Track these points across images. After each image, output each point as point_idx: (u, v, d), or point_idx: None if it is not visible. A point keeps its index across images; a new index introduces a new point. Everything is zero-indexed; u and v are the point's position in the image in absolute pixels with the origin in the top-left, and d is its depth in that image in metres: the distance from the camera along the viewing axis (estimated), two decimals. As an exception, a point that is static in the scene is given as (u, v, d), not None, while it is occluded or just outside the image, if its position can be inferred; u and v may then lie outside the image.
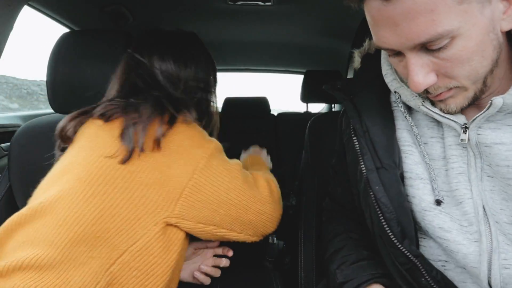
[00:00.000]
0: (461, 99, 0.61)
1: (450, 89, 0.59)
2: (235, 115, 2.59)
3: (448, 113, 0.63)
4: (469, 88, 0.59)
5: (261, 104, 2.64)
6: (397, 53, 0.60)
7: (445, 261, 0.68)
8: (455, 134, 0.66)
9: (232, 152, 2.95)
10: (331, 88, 0.80)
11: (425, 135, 0.70)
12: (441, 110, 0.64)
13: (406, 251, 0.66)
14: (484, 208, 0.63)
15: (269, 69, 3.10)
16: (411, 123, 0.70)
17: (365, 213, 0.73)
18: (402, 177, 0.70)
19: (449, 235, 0.64)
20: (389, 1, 0.53)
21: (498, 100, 0.58)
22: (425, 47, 0.55)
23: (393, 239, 0.67)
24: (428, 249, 0.70)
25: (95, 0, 1.57)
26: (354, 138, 0.73)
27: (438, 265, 0.69)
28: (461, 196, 0.64)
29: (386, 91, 0.74)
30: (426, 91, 0.60)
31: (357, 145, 0.73)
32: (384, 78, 0.73)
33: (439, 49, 0.55)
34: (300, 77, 2.46)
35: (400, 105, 0.71)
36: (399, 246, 0.66)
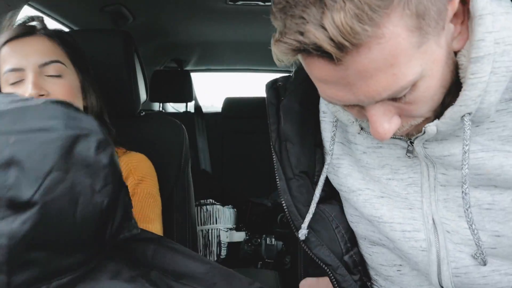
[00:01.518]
0: (414, 130, 0.58)
1: (408, 127, 0.56)
2: (235, 115, 2.59)
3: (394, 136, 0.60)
4: (430, 116, 0.56)
5: (261, 104, 2.63)
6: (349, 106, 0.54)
7: (400, 265, 0.69)
8: (402, 147, 0.64)
9: (232, 152, 2.95)
10: (269, 87, 0.77)
11: (363, 144, 0.68)
12: None
13: (317, 259, 0.70)
14: (433, 219, 0.62)
15: (269, 69, 3.09)
16: (344, 137, 0.71)
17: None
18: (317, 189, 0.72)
19: (394, 244, 0.66)
20: (339, 65, 0.45)
21: (431, 128, 0.54)
22: (389, 100, 0.50)
23: (303, 246, 0.71)
24: (381, 255, 0.71)
25: (95, 0, 1.57)
26: (271, 144, 0.74)
27: (393, 270, 0.70)
28: (411, 204, 0.64)
29: (316, 95, 0.66)
30: None
31: (273, 152, 0.74)
32: (320, 94, 0.59)
33: (401, 97, 0.49)
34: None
35: (333, 129, 0.68)
36: (309, 253, 0.70)
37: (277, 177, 0.74)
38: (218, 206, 2.00)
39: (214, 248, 1.88)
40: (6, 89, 0.83)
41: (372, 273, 0.76)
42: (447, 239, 0.62)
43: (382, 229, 0.66)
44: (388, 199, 0.66)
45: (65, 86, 0.86)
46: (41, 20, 0.90)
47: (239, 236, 1.99)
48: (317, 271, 0.83)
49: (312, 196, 0.71)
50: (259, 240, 1.96)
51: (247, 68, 3.06)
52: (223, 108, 2.62)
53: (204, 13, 1.84)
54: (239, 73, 3.19)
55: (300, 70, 0.69)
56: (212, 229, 1.92)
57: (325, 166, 0.70)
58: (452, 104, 0.53)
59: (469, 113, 0.52)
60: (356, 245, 0.76)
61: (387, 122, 0.51)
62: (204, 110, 2.62)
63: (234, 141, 2.55)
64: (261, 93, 3.16)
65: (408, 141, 0.61)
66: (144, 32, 2.03)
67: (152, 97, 2.43)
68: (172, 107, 3.14)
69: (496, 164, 0.55)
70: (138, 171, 0.94)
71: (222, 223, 1.96)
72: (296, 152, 0.73)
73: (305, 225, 0.71)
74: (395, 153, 0.65)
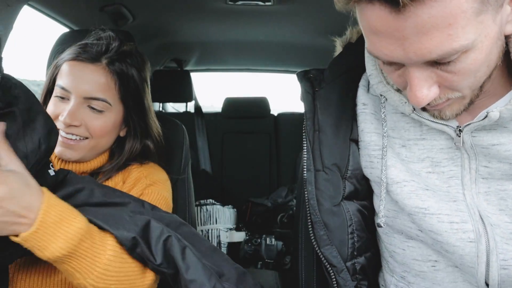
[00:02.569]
0: (457, 107, 0.58)
1: (447, 100, 0.56)
2: (235, 115, 2.59)
3: (441, 119, 0.61)
4: (467, 96, 0.56)
5: (261, 104, 2.64)
6: (395, 63, 0.54)
7: (435, 260, 0.68)
8: (447, 138, 0.64)
9: (232, 152, 2.96)
10: (302, 76, 0.77)
11: (403, 137, 0.68)
12: (433, 116, 0.61)
13: (323, 258, 0.69)
14: (478, 210, 0.63)
15: (269, 69, 3.09)
16: (386, 127, 0.69)
17: (296, 210, 0.75)
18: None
19: (440, 237, 0.64)
20: (400, 13, 0.45)
21: (494, 114, 0.56)
22: (432, 61, 0.50)
23: (313, 241, 0.69)
24: (416, 249, 0.70)
25: (95, 0, 1.57)
26: (304, 135, 0.73)
27: (428, 265, 0.69)
28: (454, 196, 0.64)
29: (353, 88, 0.70)
30: (427, 104, 0.56)
31: (304, 143, 0.73)
32: (369, 78, 0.68)
33: (447, 63, 0.50)
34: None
35: (383, 111, 0.68)
36: (317, 250, 0.69)
37: (304, 168, 0.72)
38: (218, 206, 2.00)
39: (214, 248, 1.88)
40: (54, 98, 0.88)
41: (399, 269, 0.74)
42: (494, 231, 0.61)
43: (428, 221, 0.64)
44: (432, 191, 0.65)
45: (102, 123, 0.88)
46: (118, 52, 0.89)
47: (239, 236, 1.99)
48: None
49: (340, 191, 0.71)
50: (259, 240, 1.96)
51: (247, 68, 3.06)
52: (223, 108, 2.62)
53: (204, 13, 1.84)
54: (239, 73, 3.19)
55: (335, 65, 0.73)
56: (212, 229, 1.92)
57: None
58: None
59: None
60: (363, 255, 0.75)
61: (427, 89, 0.52)
62: (204, 110, 2.63)
63: (234, 141, 2.55)
64: (261, 93, 3.17)
65: (458, 130, 0.61)
66: (144, 32, 2.03)
67: (152, 97, 2.42)
68: (172, 107, 3.14)
69: None
70: (150, 176, 0.94)
71: (222, 223, 1.96)
72: (329, 144, 0.72)
73: (382, 213, 0.69)
74: (438, 144, 0.65)
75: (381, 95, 0.67)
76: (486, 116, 0.57)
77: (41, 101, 0.92)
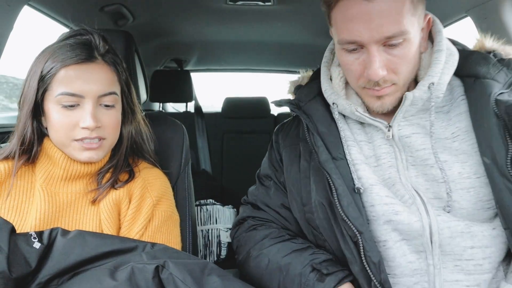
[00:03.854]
0: (393, 99, 0.80)
1: (391, 85, 0.77)
2: (235, 115, 2.59)
3: (381, 112, 0.82)
4: (400, 87, 0.79)
5: (261, 104, 2.64)
6: (356, 50, 0.76)
7: (385, 240, 0.78)
8: (381, 136, 0.84)
9: (232, 152, 2.95)
10: (279, 103, 0.95)
11: (356, 139, 0.86)
12: (375, 110, 0.82)
13: (352, 225, 0.75)
14: (414, 189, 0.79)
15: (269, 69, 3.10)
16: (343, 128, 0.86)
17: (314, 195, 0.83)
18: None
19: (396, 207, 0.77)
20: (370, 1, 0.71)
21: (409, 95, 0.78)
22: (384, 45, 0.73)
23: (342, 214, 0.76)
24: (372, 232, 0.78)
25: (95, 0, 1.57)
26: (307, 135, 0.86)
27: (379, 245, 0.78)
28: (393, 180, 0.81)
29: (326, 104, 0.90)
30: (376, 83, 0.77)
31: (309, 141, 0.85)
32: (324, 93, 0.89)
33: (394, 47, 0.74)
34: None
35: (336, 114, 0.86)
36: (347, 220, 0.75)
37: (325, 159, 0.82)
38: (218, 206, 2.00)
39: (214, 248, 1.88)
40: (59, 109, 0.83)
41: None
42: (428, 203, 0.80)
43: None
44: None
45: (115, 117, 0.89)
46: (103, 45, 0.89)
47: (239, 236, 1.99)
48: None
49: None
50: (259, 240, 1.96)
51: (247, 68, 3.06)
52: (223, 108, 2.62)
53: (204, 13, 1.84)
54: (239, 73, 3.20)
55: (303, 91, 0.95)
56: (212, 229, 1.92)
57: None
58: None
59: (433, 83, 0.78)
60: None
61: (381, 67, 0.74)
62: (204, 110, 2.63)
63: (234, 141, 2.55)
64: (261, 93, 3.17)
65: (388, 125, 0.82)
66: (144, 32, 2.03)
67: (152, 97, 2.43)
68: (172, 107, 3.14)
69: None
70: (154, 190, 0.94)
71: (222, 223, 1.96)
72: (328, 138, 0.88)
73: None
74: (376, 143, 0.85)
75: (333, 104, 0.87)
76: (405, 99, 0.78)
77: (26, 118, 0.85)
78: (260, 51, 2.55)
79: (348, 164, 0.82)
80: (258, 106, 2.64)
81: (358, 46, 0.75)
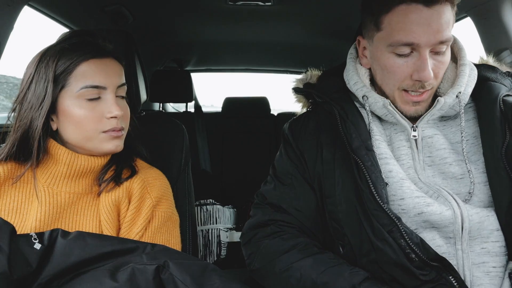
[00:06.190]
0: (426, 104, 0.86)
1: (430, 89, 0.84)
2: (235, 115, 2.59)
3: (414, 116, 0.86)
4: (433, 93, 0.86)
5: (261, 104, 2.64)
6: (406, 54, 0.81)
7: (415, 229, 0.81)
8: (401, 138, 0.89)
9: (232, 152, 2.94)
10: (301, 90, 0.99)
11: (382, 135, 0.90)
12: (407, 114, 0.86)
13: (390, 212, 0.77)
14: (435, 185, 0.84)
15: (269, 69, 3.10)
16: (371, 121, 0.90)
17: (340, 189, 0.84)
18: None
19: (427, 200, 0.81)
20: (430, 8, 0.77)
21: (441, 100, 0.84)
22: (431, 51, 0.80)
23: (379, 201, 0.78)
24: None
25: (95, 0, 1.57)
26: (339, 123, 0.87)
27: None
28: (413, 180, 0.85)
29: (351, 100, 0.93)
30: (421, 86, 0.82)
31: (341, 129, 0.87)
32: (353, 86, 0.92)
33: (438, 54, 0.81)
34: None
35: (367, 106, 0.89)
36: (384, 207, 0.77)
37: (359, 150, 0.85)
38: (218, 206, 2.00)
39: (214, 248, 1.88)
40: (83, 103, 0.85)
41: None
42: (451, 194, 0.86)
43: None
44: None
45: (128, 108, 0.93)
46: (108, 43, 0.93)
47: (239, 236, 1.98)
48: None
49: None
50: (259, 240, 1.96)
51: (247, 68, 3.06)
52: (223, 108, 2.62)
53: (204, 13, 1.84)
54: (239, 73, 3.20)
55: (323, 87, 0.97)
56: (212, 229, 1.92)
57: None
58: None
59: (460, 92, 0.85)
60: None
61: (430, 69, 0.80)
62: (204, 110, 2.63)
63: (234, 141, 2.55)
64: (261, 93, 3.17)
65: (415, 126, 0.87)
66: (144, 32, 2.03)
67: (152, 97, 2.43)
68: (172, 107, 3.14)
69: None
70: (154, 191, 0.94)
71: (222, 223, 1.96)
72: (360, 128, 0.91)
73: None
74: (396, 145, 0.89)
75: (363, 96, 0.90)
76: (437, 102, 0.84)
77: (38, 121, 0.84)
78: (260, 51, 2.55)
79: (375, 157, 0.84)
80: (258, 106, 2.64)
81: (410, 50, 0.80)
